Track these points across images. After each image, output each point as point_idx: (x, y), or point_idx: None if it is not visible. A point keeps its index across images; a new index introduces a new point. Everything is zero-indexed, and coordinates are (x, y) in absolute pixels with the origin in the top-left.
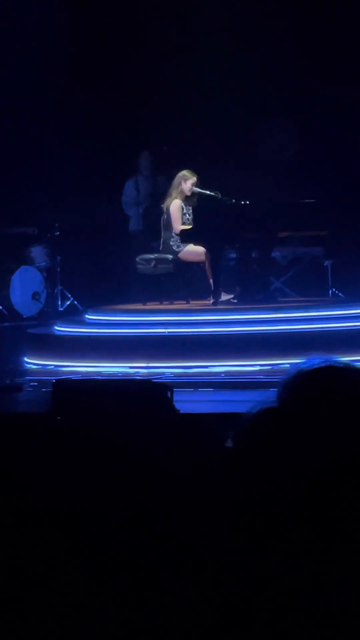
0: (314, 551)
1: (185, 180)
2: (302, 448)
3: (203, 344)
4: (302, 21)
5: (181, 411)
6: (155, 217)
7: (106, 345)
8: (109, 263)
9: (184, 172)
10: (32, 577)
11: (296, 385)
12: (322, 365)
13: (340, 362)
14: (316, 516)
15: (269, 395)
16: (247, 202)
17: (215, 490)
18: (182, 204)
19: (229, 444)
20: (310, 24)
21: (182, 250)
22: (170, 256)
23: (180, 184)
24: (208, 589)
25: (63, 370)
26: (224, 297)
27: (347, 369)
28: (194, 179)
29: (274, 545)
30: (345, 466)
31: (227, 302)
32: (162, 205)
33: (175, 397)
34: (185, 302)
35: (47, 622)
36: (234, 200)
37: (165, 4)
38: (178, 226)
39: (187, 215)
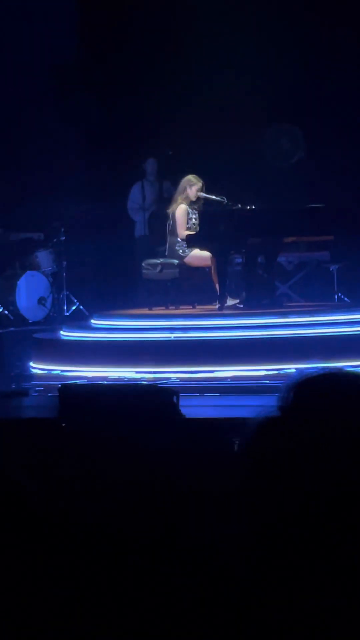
0: (323, 556)
1: (191, 185)
2: (304, 454)
3: (209, 349)
4: (309, 27)
5: (187, 416)
6: (161, 223)
7: (112, 350)
8: (115, 268)
9: (190, 177)
10: (35, 581)
11: (296, 393)
12: (321, 372)
13: (339, 369)
14: (323, 520)
15: (272, 404)
16: (253, 207)
17: (222, 495)
18: (188, 209)
19: (237, 449)
20: (319, 30)
21: (187, 255)
22: (176, 261)
23: (185, 189)
24: (221, 593)
25: (69, 375)
26: (230, 302)
27: (346, 375)
28: (199, 184)
29: (288, 551)
30: (346, 470)
31: (233, 307)
32: (167, 211)
33: (181, 402)
34: (191, 307)
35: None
36: (239, 205)
37: (173, 11)
38: (183, 231)
39: (192, 220)
